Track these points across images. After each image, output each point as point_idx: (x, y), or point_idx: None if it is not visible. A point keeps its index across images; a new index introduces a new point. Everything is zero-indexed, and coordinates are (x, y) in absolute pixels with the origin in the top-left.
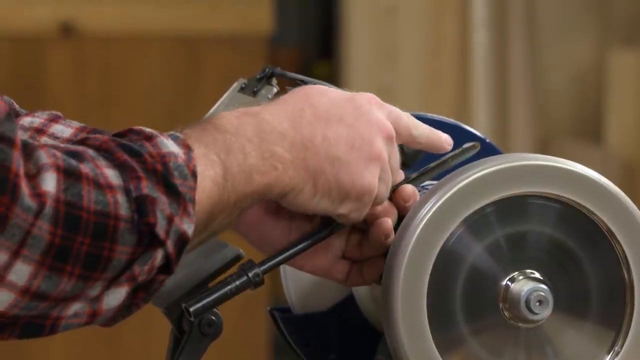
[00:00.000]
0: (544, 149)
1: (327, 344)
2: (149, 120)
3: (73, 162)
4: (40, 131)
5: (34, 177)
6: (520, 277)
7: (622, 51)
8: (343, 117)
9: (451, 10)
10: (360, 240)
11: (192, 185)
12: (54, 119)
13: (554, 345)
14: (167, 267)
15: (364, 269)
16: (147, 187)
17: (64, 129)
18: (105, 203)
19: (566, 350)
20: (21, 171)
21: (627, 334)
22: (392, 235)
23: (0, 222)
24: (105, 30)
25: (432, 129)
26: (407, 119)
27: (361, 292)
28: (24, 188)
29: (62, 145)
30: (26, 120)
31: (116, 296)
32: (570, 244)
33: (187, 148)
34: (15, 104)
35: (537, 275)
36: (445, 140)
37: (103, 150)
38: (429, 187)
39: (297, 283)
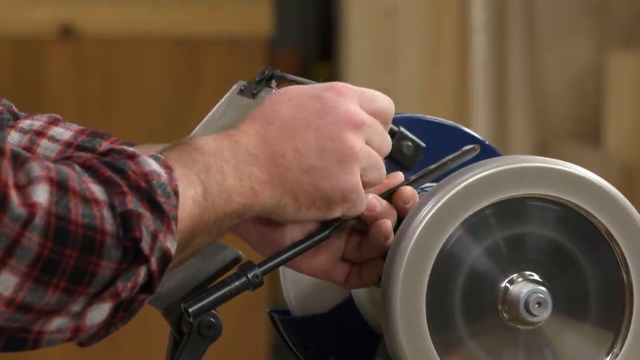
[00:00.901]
0: (543, 151)
1: (327, 346)
2: (149, 122)
3: (63, 174)
4: (39, 134)
5: (24, 187)
6: (520, 279)
7: (621, 54)
8: (309, 122)
9: (450, 13)
10: (359, 242)
11: (174, 204)
12: (54, 122)
13: (553, 347)
14: (149, 285)
15: (363, 271)
16: (132, 202)
17: (64, 132)
18: (92, 216)
19: (565, 352)
20: (10, 181)
21: (626, 336)
22: (392, 237)
23: None
24: (104, 32)
25: None
26: (383, 101)
27: (360, 294)
28: (14, 197)
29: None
30: (25, 123)
31: (100, 312)
32: (569, 246)
33: (169, 168)
34: (13, 106)
35: (536, 277)
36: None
37: (87, 167)
38: (429, 189)
39: (296, 285)
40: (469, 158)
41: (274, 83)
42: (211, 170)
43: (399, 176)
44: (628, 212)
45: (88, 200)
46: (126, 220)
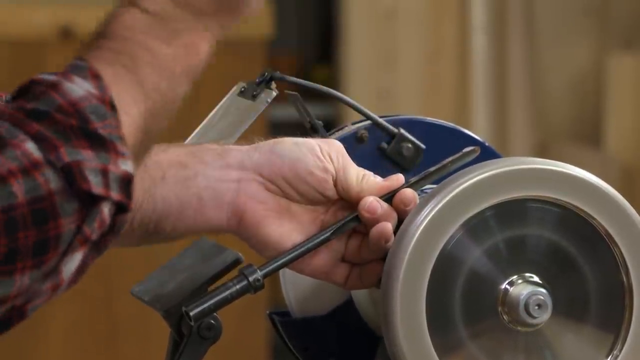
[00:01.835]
0: (543, 153)
1: (327, 347)
2: None
3: None
4: None
5: None
6: (519, 281)
7: (621, 55)
8: None
9: (450, 14)
10: (360, 244)
11: (114, 124)
12: None
13: (553, 349)
14: (122, 208)
15: (363, 272)
16: (67, 154)
17: None
18: (36, 187)
19: (565, 354)
20: None
21: (626, 338)
22: (392, 239)
23: None
24: None
25: None
26: None
27: (360, 296)
28: None
29: None
30: None
31: (73, 262)
32: (569, 247)
33: (96, 78)
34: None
35: (536, 279)
36: None
37: (15, 124)
38: (429, 190)
39: (296, 287)
40: (469, 160)
41: (273, 85)
42: (137, 54)
43: (399, 178)
44: (628, 213)
45: (27, 169)
46: (68, 174)
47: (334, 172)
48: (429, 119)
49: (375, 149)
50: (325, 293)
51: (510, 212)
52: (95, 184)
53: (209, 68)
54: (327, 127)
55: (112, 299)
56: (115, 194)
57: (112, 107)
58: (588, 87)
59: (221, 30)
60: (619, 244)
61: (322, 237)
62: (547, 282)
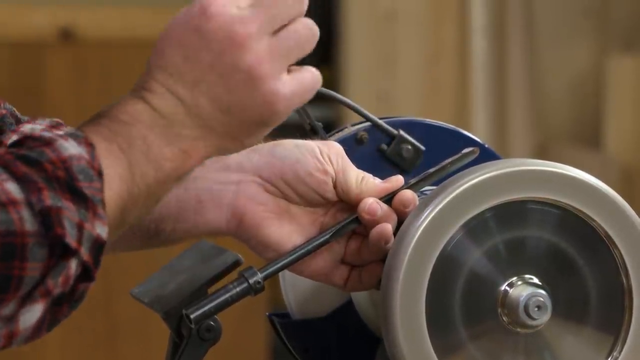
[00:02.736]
0: (542, 154)
1: (326, 349)
2: None
3: None
4: None
5: None
6: (519, 282)
7: (621, 56)
8: (200, 60)
9: (450, 17)
10: (359, 246)
11: (99, 187)
12: (55, 126)
13: (553, 350)
14: (86, 274)
15: (363, 274)
16: (49, 198)
17: None
18: (9, 221)
19: (565, 356)
20: None
21: (626, 340)
22: (392, 241)
23: None
24: (104, 35)
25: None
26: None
27: (360, 298)
28: None
29: None
30: (27, 127)
31: (33, 314)
32: (569, 249)
33: (90, 146)
34: (16, 110)
35: (536, 280)
36: None
37: (2, 165)
38: (428, 192)
39: (296, 288)
40: (468, 161)
41: None
42: (134, 141)
43: (399, 179)
44: (627, 215)
45: (4, 204)
46: (46, 218)
47: (333, 174)
48: (429, 120)
49: (375, 150)
50: (325, 294)
51: (510, 213)
52: (70, 235)
53: None
54: (327, 129)
55: (111, 300)
56: (85, 253)
57: (100, 174)
58: (588, 88)
59: (221, 152)
60: (619, 245)
61: (322, 240)
62: (547, 284)
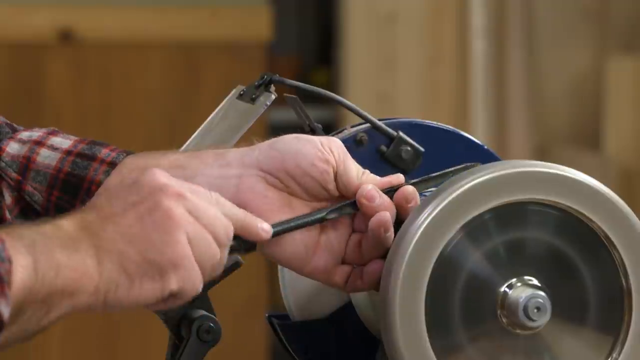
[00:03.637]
0: (542, 156)
1: (326, 351)
2: (149, 126)
3: None
4: (39, 143)
5: None
6: (519, 284)
7: (620, 58)
8: (126, 200)
9: (450, 18)
10: (359, 242)
11: (8, 269)
12: (52, 133)
13: (552, 352)
14: None
15: (364, 274)
16: None
17: (63, 141)
18: None
19: (564, 357)
20: None
21: (625, 341)
22: (391, 230)
23: None
24: (104, 36)
25: (243, 214)
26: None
27: (360, 299)
28: None
29: None
30: (24, 134)
31: None
32: (569, 250)
33: (0, 239)
34: (8, 123)
35: (535, 282)
36: (261, 228)
37: None
38: (427, 193)
39: (295, 290)
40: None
41: (272, 88)
42: (38, 245)
43: (400, 177)
44: (627, 216)
45: None
46: None
47: (334, 164)
48: (428, 121)
49: (375, 151)
50: (325, 296)
51: (510, 214)
52: None
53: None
54: (326, 130)
55: None
56: None
57: (10, 260)
58: (587, 90)
59: (111, 289)
60: (618, 246)
61: (318, 216)
62: (546, 285)
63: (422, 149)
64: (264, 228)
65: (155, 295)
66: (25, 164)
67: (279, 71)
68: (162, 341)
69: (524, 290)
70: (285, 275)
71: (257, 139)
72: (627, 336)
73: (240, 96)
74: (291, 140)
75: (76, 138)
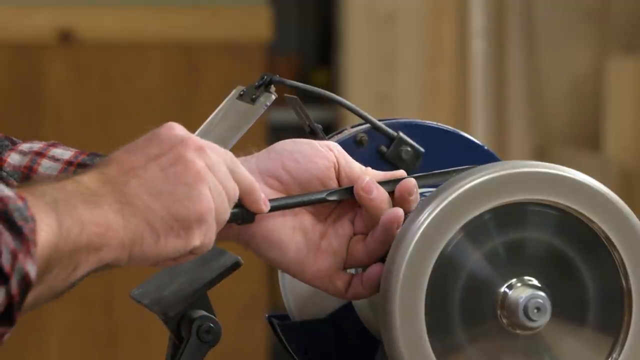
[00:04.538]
0: (542, 156)
1: (326, 351)
2: (148, 127)
3: None
4: (40, 154)
5: None
6: (519, 284)
7: (620, 59)
8: (147, 153)
9: (450, 19)
10: (360, 245)
11: (32, 228)
12: (53, 145)
13: (552, 352)
14: (8, 313)
15: (365, 278)
16: None
17: (64, 152)
18: None
19: (564, 357)
20: None
21: (625, 341)
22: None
23: None
24: (104, 37)
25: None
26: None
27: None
28: None
29: None
30: (25, 146)
31: None
32: (569, 251)
33: (23, 198)
34: (7, 137)
35: (535, 282)
36: (263, 199)
37: None
38: (427, 194)
39: (295, 290)
40: None
41: (273, 88)
42: (60, 202)
43: (402, 172)
44: (627, 217)
45: None
46: None
47: (335, 161)
48: (428, 122)
49: (375, 152)
50: (325, 296)
51: (510, 215)
52: (5, 259)
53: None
54: (327, 131)
55: (112, 301)
56: (14, 286)
57: (33, 218)
58: (587, 90)
59: (137, 243)
60: (618, 247)
61: (318, 197)
62: (547, 286)
63: (422, 149)
64: (265, 200)
65: (178, 250)
66: (27, 174)
67: (279, 71)
68: (162, 341)
69: (524, 291)
70: (286, 276)
71: (255, 148)
72: (627, 336)
73: (240, 96)
74: (289, 143)
75: (77, 150)
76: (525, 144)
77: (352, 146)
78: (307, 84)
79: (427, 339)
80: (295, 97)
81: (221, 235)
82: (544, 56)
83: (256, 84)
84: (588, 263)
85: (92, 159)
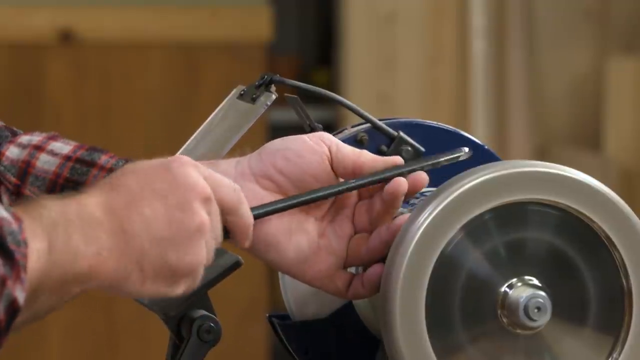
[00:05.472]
0: (542, 156)
1: (326, 351)
2: (148, 127)
3: None
4: (39, 148)
5: None
6: (519, 284)
7: (621, 59)
8: (156, 188)
9: (450, 18)
10: (360, 243)
11: (24, 252)
12: (52, 137)
13: (553, 352)
14: None
15: (365, 278)
16: None
17: (63, 146)
18: None
19: (564, 357)
20: None
21: (626, 341)
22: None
23: None
24: (104, 37)
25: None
26: (228, 187)
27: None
28: None
29: None
30: (24, 138)
31: None
32: (569, 250)
33: (18, 220)
34: (8, 127)
35: (536, 282)
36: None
37: None
38: (428, 193)
39: (296, 290)
40: (460, 159)
41: (273, 88)
42: (57, 227)
43: (399, 159)
44: (627, 216)
45: None
46: None
47: (325, 150)
48: (429, 121)
49: (375, 151)
50: (325, 296)
51: (510, 214)
52: None
53: (209, 71)
54: (327, 130)
55: (112, 300)
56: (1, 312)
57: (26, 243)
58: (588, 90)
59: (122, 280)
60: (619, 247)
61: (321, 194)
62: (547, 285)
63: (422, 149)
64: (250, 237)
65: (160, 294)
66: (25, 169)
67: (279, 71)
68: (162, 341)
69: (524, 290)
70: (286, 275)
71: (250, 149)
72: (627, 336)
73: (241, 96)
74: (278, 142)
75: (76, 144)
76: (526, 144)
77: (353, 145)
78: (308, 83)
79: (427, 338)
80: (295, 96)
81: None
82: (544, 56)
83: (256, 83)
84: (588, 263)
85: (90, 154)
